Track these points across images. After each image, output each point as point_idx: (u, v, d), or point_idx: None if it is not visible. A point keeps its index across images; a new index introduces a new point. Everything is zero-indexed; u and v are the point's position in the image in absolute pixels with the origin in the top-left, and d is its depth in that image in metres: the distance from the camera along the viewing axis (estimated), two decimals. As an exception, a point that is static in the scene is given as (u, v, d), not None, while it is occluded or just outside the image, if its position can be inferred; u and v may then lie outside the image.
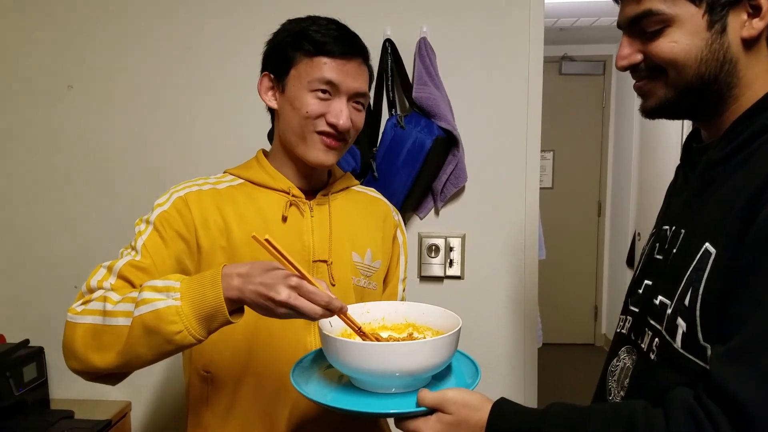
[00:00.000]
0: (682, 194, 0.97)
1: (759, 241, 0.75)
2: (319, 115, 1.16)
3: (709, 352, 0.78)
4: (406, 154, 1.74)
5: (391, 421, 1.31)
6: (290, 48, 1.17)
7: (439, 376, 1.05)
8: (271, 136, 1.80)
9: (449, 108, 1.85)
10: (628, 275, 4.40)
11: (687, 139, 1.03)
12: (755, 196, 0.77)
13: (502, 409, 0.90)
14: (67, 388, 2.07)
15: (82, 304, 1.05)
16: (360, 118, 1.22)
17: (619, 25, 0.95)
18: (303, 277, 0.95)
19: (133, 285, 1.08)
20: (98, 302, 1.03)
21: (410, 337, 1.12)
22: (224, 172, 1.28)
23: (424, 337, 1.11)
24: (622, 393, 0.96)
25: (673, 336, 0.83)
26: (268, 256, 0.97)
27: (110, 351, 0.99)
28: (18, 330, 2.04)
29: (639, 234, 4.46)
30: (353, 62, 1.18)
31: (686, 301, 0.82)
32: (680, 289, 0.84)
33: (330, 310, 0.96)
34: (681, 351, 0.81)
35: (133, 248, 1.13)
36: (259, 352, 1.18)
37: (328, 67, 1.15)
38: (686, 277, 0.83)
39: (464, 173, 1.89)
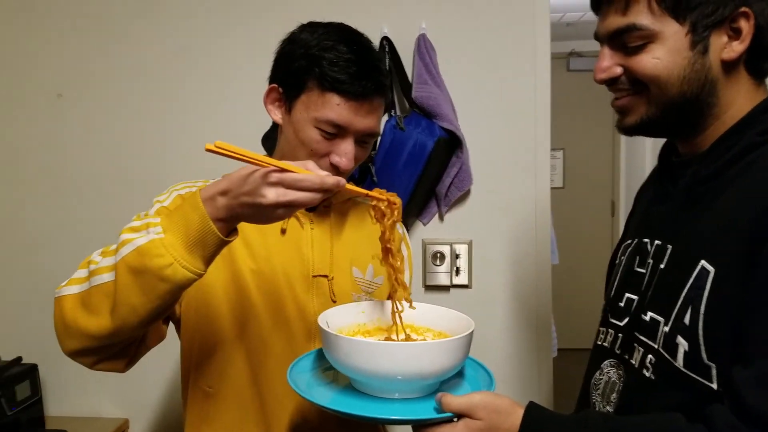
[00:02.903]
0: (661, 206, 0.97)
1: None
2: (323, 154, 1.09)
3: (713, 371, 0.79)
4: (406, 157, 1.66)
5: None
6: (303, 72, 1.07)
7: (450, 383, 0.98)
8: (265, 142, 1.74)
9: (452, 107, 1.77)
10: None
11: (662, 150, 1.02)
12: (760, 216, 0.77)
13: (534, 414, 0.86)
14: (62, 406, 2.02)
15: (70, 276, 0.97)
16: (364, 154, 1.14)
17: (597, 36, 0.94)
18: (282, 169, 0.85)
19: None
20: (82, 269, 0.95)
21: (408, 339, 1.05)
22: (222, 177, 1.22)
23: (424, 339, 1.05)
24: (608, 408, 0.94)
25: (674, 355, 0.83)
26: None
27: (102, 312, 0.89)
28: (11, 347, 1.97)
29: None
30: (368, 102, 1.08)
31: (686, 320, 0.82)
32: (677, 307, 0.83)
33: (328, 190, 0.86)
34: (683, 370, 0.81)
35: None
36: (261, 366, 1.13)
37: (339, 109, 1.05)
38: (683, 295, 0.83)
39: (469, 176, 1.81)
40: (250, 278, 1.11)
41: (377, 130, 1.13)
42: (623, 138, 5.11)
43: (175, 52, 1.94)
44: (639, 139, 4.73)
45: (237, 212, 0.86)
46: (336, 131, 1.07)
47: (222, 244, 0.88)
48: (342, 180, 0.87)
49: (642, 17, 0.86)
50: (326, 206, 1.20)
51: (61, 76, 1.97)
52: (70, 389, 2.01)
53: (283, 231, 1.15)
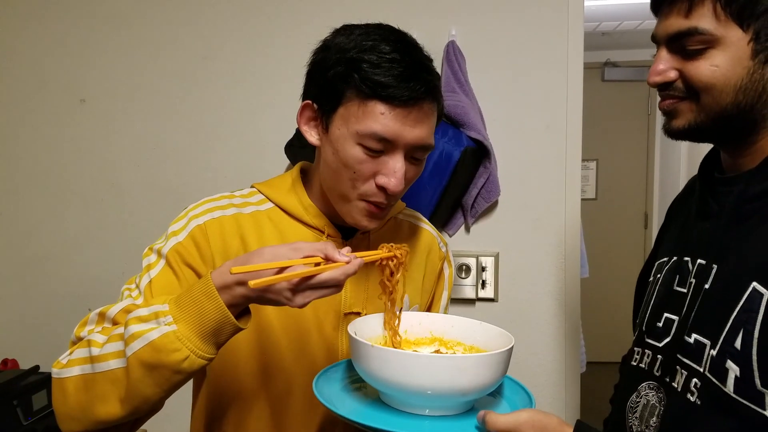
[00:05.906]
0: (704, 224, 0.93)
1: None
2: (369, 176, 0.94)
3: (767, 398, 0.75)
4: (432, 167, 1.60)
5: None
6: (339, 80, 0.92)
7: (485, 400, 0.93)
8: (288, 150, 1.70)
9: (480, 116, 1.71)
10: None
11: (704, 163, 0.98)
12: None
13: None
14: (79, 415, 1.99)
15: (68, 355, 0.90)
16: (417, 173, 0.99)
17: (655, 38, 0.90)
18: (304, 275, 0.81)
19: None
20: (82, 349, 0.88)
21: (438, 353, 0.99)
22: (252, 187, 1.10)
23: (454, 353, 0.99)
24: None
25: (723, 380, 0.79)
26: None
27: (111, 400, 0.85)
28: (29, 355, 1.96)
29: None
30: (418, 107, 0.92)
31: (737, 344, 0.78)
32: (726, 330, 0.80)
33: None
34: (734, 396, 0.78)
35: (137, 286, 0.97)
36: (284, 409, 1.04)
37: (384, 119, 0.90)
38: (733, 317, 0.80)
39: (497, 187, 1.75)
40: (273, 315, 1.02)
41: (430, 142, 0.96)
42: (657, 149, 5.02)
43: (199, 59, 1.92)
44: (674, 150, 4.63)
45: (255, 302, 0.83)
46: (382, 147, 0.92)
47: (237, 331, 0.85)
48: (360, 261, 0.86)
49: (705, 21, 0.82)
50: (363, 233, 1.09)
51: (84, 81, 1.96)
52: (88, 398, 1.99)
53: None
